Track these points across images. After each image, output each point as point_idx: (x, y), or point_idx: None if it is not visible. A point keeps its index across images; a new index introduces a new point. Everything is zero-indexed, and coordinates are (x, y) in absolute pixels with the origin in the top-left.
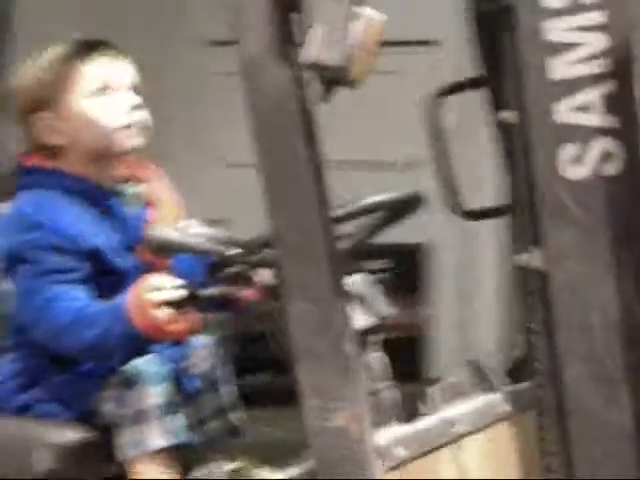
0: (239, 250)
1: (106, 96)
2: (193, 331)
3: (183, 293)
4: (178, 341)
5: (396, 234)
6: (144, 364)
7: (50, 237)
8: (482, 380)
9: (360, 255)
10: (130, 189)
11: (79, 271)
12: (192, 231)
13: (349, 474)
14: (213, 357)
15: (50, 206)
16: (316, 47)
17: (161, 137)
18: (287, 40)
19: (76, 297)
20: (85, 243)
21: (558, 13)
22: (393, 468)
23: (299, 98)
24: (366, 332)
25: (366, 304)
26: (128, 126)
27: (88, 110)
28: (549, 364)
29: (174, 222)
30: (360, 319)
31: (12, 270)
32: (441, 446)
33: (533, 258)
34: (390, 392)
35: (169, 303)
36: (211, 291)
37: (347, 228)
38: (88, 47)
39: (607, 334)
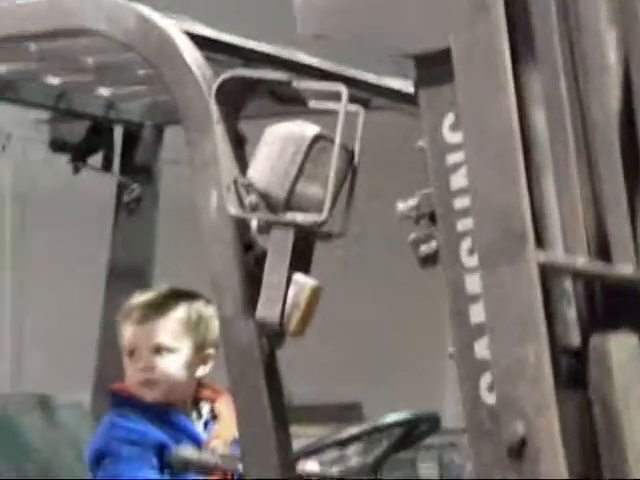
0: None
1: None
2: None
3: None
4: None
5: None
6: None
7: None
8: None
9: None
10: (202, 406)
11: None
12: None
13: None
14: None
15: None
16: (260, 306)
17: None
18: (253, 301)
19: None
20: (153, 441)
21: None
22: None
23: (262, 346)
24: None
25: None
26: (145, 382)
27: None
28: None
29: (230, 435)
30: None
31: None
32: None
33: None
34: None
35: None
36: None
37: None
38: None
39: None
